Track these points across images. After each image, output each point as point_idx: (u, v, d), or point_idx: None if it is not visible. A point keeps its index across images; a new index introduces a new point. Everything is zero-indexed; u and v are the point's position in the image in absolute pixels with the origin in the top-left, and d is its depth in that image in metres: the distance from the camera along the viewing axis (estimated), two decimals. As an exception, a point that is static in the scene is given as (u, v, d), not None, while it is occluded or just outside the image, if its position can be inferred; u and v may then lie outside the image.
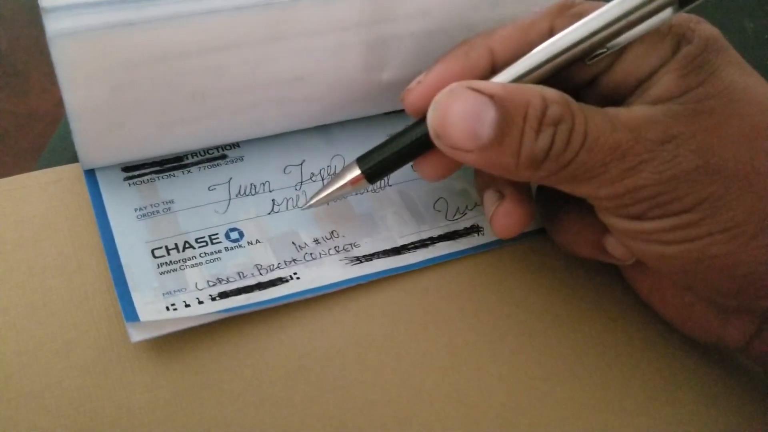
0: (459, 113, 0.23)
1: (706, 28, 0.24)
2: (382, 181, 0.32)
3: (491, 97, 0.23)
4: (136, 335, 0.25)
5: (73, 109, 0.26)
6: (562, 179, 0.23)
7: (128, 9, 0.24)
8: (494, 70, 0.26)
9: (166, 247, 0.28)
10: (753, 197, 0.23)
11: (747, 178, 0.23)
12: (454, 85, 0.24)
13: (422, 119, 0.26)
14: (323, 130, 0.33)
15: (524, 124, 0.23)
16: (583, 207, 0.26)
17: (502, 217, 0.27)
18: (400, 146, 0.27)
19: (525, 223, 0.27)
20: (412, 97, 0.27)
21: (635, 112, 0.23)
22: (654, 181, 0.22)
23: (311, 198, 0.29)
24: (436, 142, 0.24)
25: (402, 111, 0.34)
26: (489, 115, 0.23)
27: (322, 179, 0.31)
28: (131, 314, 0.25)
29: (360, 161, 0.28)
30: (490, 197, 0.28)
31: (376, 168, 0.27)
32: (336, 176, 0.28)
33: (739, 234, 0.23)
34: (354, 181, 0.28)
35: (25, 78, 0.38)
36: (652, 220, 0.23)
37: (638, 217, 0.24)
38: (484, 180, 0.29)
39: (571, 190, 0.24)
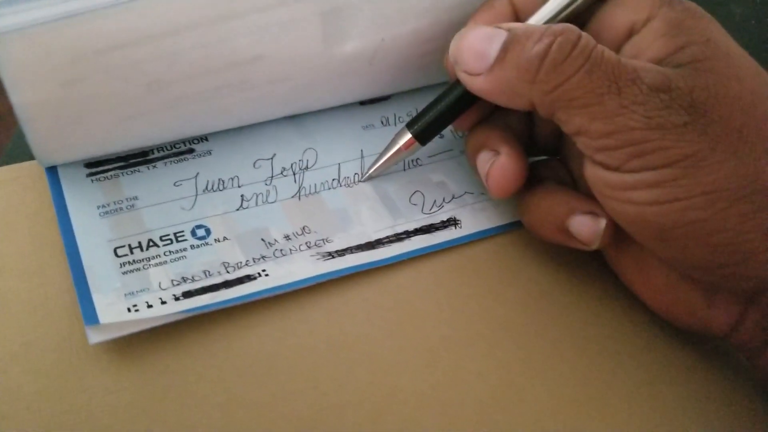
0: (473, 37, 0.25)
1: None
2: (356, 176, 0.31)
3: (508, 30, 0.25)
4: (95, 337, 0.24)
5: (23, 109, 0.25)
6: (559, 100, 0.24)
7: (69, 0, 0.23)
8: (517, 20, 0.27)
9: (130, 245, 0.27)
10: (737, 163, 0.22)
11: (734, 143, 0.23)
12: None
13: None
14: (296, 122, 0.32)
15: (527, 40, 0.24)
16: (549, 188, 0.27)
17: (498, 171, 0.27)
18: (446, 104, 0.28)
19: (519, 179, 0.27)
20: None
21: (637, 61, 0.24)
22: (643, 124, 0.23)
23: (368, 169, 0.30)
24: (456, 69, 0.26)
25: (378, 101, 0.33)
26: (499, 38, 0.24)
27: (293, 174, 0.30)
28: (91, 316, 0.25)
29: (409, 125, 0.29)
30: (483, 157, 0.28)
31: (425, 128, 0.29)
32: (388, 145, 0.30)
33: (719, 199, 0.22)
34: (407, 145, 0.29)
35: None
36: (633, 172, 0.23)
37: (620, 167, 0.23)
38: (476, 141, 0.28)
39: (567, 120, 0.24)
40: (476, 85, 0.26)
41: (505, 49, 0.24)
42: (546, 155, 0.31)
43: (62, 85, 0.25)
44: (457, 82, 0.27)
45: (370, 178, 0.31)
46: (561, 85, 0.23)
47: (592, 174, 0.25)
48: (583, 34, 0.23)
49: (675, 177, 0.23)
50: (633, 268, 0.27)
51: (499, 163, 0.27)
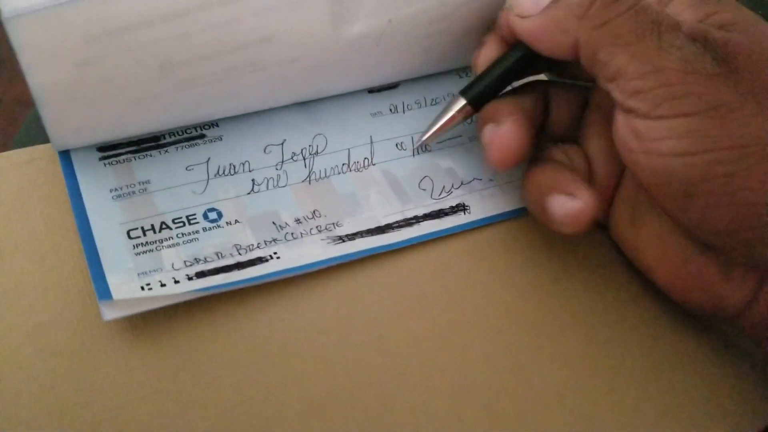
0: None
1: None
2: (366, 160, 0.31)
3: None
4: (109, 314, 0.24)
5: (39, 90, 0.25)
6: (605, 36, 0.24)
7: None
8: None
9: (142, 228, 0.27)
10: (765, 120, 0.23)
11: (763, 100, 0.23)
12: None
13: (514, 46, 0.28)
14: (305, 108, 0.32)
15: None
16: (543, 165, 0.28)
17: (497, 139, 0.28)
18: (500, 69, 0.29)
19: (518, 150, 0.28)
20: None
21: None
22: (678, 67, 0.23)
23: (423, 134, 0.30)
24: (508, 16, 0.27)
25: (386, 89, 0.33)
26: None
27: (304, 159, 0.30)
28: (104, 293, 0.25)
29: (463, 93, 0.29)
30: (488, 128, 0.28)
31: (479, 94, 0.29)
32: (442, 111, 0.30)
33: (747, 154, 0.23)
34: (461, 110, 0.29)
35: (11, 65, 0.37)
36: (664, 119, 0.24)
37: (650, 113, 0.24)
38: (485, 115, 0.29)
39: (607, 61, 0.24)
40: (526, 26, 0.26)
41: None
42: (562, 142, 0.31)
43: (77, 66, 0.25)
44: (511, 49, 0.28)
45: (425, 144, 0.31)
46: (610, 21, 0.24)
47: (623, 126, 0.25)
48: None
49: (704, 127, 0.23)
50: (647, 246, 0.28)
51: (500, 132, 0.28)
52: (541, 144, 0.30)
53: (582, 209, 0.26)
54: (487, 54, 0.30)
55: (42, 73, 0.25)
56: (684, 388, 0.27)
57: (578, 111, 0.30)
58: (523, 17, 0.27)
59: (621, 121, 0.25)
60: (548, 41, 0.26)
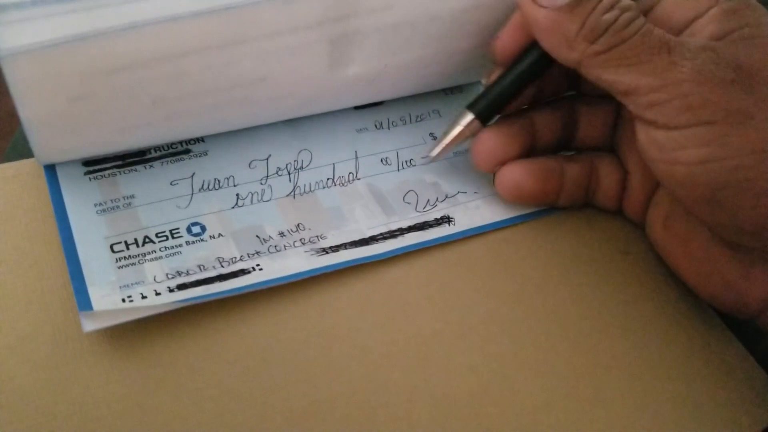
0: None
1: None
2: (351, 175, 0.31)
3: None
4: (89, 325, 0.24)
5: (29, 121, 0.25)
6: (612, 59, 0.25)
7: (81, 20, 0.24)
8: None
9: (126, 242, 0.27)
10: None
11: None
12: None
13: (518, 60, 0.28)
14: (291, 124, 0.32)
15: (599, 2, 0.25)
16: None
17: (476, 144, 0.30)
18: (506, 83, 0.29)
19: (497, 153, 0.29)
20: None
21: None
22: (691, 77, 0.24)
23: (431, 150, 0.30)
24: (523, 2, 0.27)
25: (372, 105, 0.34)
26: None
27: (288, 173, 0.30)
28: (85, 305, 0.25)
29: (470, 107, 0.30)
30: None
31: (486, 108, 0.29)
32: (449, 126, 0.30)
33: (766, 159, 0.23)
34: (468, 125, 0.30)
35: (3, 77, 0.38)
36: (683, 128, 0.24)
37: (669, 123, 0.24)
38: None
39: (614, 80, 0.25)
40: (538, 15, 0.26)
41: (579, 2, 0.25)
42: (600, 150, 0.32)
43: (69, 101, 0.25)
44: (516, 63, 0.28)
45: (433, 160, 0.31)
46: (616, 47, 0.24)
47: (644, 137, 0.25)
48: (642, 16, 0.25)
49: (723, 134, 0.23)
50: (676, 245, 0.28)
51: (481, 137, 0.29)
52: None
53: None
54: (504, 44, 0.29)
55: (34, 107, 0.25)
56: (670, 400, 0.27)
57: (608, 124, 0.31)
58: (540, 5, 0.26)
59: (641, 132, 0.25)
60: (551, 42, 0.26)
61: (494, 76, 0.30)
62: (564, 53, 0.26)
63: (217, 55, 0.26)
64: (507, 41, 0.29)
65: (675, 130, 0.24)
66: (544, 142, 0.31)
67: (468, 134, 0.30)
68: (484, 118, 0.29)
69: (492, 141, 0.29)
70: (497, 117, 0.30)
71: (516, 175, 0.30)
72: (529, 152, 0.30)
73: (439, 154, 0.30)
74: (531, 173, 0.30)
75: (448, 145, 0.30)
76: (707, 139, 0.24)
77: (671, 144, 0.24)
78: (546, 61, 0.28)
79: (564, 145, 0.32)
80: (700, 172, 0.24)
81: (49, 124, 0.26)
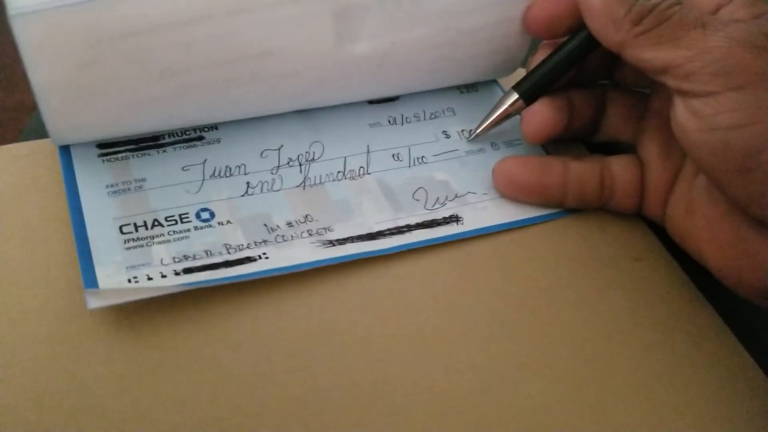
0: None
1: None
2: (362, 169, 0.31)
3: None
4: (93, 302, 0.24)
5: (40, 87, 0.26)
6: (653, 37, 0.26)
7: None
8: None
9: (135, 224, 0.27)
10: None
11: None
12: None
13: (564, 43, 0.30)
14: (304, 115, 0.32)
15: None
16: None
17: (528, 115, 0.31)
18: (551, 63, 0.31)
19: (549, 125, 0.30)
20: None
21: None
22: (724, 44, 0.25)
23: (476, 128, 0.33)
24: None
25: (386, 101, 0.34)
26: None
27: (300, 164, 0.31)
28: (91, 282, 0.25)
29: (516, 87, 0.31)
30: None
31: (530, 88, 0.31)
32: (494, 106, 0.32)
33: None
34: (513, 104, 0.31)
35: (12, 71, 0.38)
36: (717, 94, 0.25)
37: (704, 90, 0.25)
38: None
39: (653, 56, 0.26)
40: (589, 2, 0.28)
41: None
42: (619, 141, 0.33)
43: (79, 67, 0.26)
44: (562, 46, 0.30)
45: (477, 137, 0.33)
46: (656, 28, 0.26)
47: (681, 110, 0.26)
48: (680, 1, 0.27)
49: (756, 97, 0.24)
50: (701, 230, 0.29)
51: (531, 108, 0.31)
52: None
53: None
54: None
55: (44, 71, 0.25)
56: (674, 405, 0.26)
57: (634, 115, 0.32)
58: None
59: (679, 104, 0.26)
60: (601, 25, 0.27)
61: (537, 58, 0.31)
62: (610, 34, 0.27)
63: (221, 23, 0.26)
64: (538, 12, 0.31)
65: (710, 96, 0.25)
66: (577, 124, 0.32)
67: (511, 112, 0.32)
68: (528, 98, 0.31)
69: (542, 113, 0.31)
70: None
71: (508, 164, 0.31)
72: (566, 130, 0.32)
73: (481, 131, 0.32)
74: (523, 164, 0.31)
75: (492, 122, 0.32)
76: (740, 103, 0.24)
77: (707, 110, 0.25)
78: (590, 44, 0.29)
79: (590, 132, 0.33)
80: (735, 138, 0.24)
81: (61, 93, 0.26)
